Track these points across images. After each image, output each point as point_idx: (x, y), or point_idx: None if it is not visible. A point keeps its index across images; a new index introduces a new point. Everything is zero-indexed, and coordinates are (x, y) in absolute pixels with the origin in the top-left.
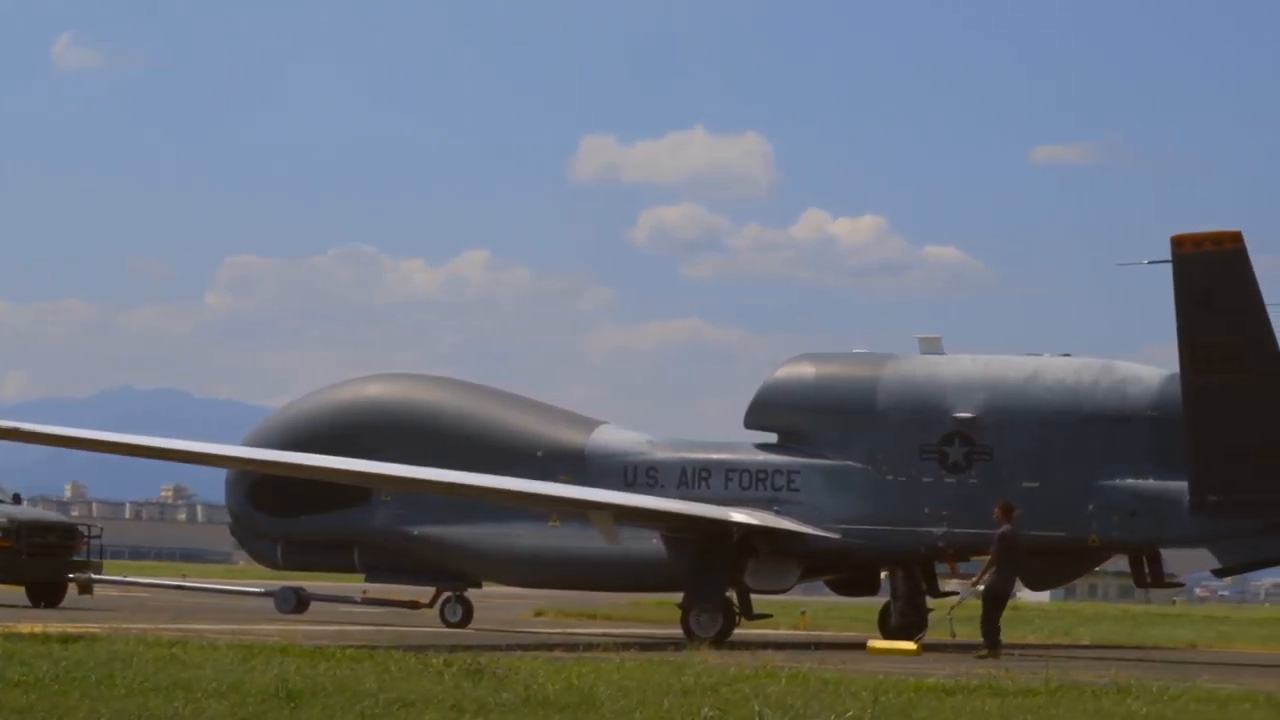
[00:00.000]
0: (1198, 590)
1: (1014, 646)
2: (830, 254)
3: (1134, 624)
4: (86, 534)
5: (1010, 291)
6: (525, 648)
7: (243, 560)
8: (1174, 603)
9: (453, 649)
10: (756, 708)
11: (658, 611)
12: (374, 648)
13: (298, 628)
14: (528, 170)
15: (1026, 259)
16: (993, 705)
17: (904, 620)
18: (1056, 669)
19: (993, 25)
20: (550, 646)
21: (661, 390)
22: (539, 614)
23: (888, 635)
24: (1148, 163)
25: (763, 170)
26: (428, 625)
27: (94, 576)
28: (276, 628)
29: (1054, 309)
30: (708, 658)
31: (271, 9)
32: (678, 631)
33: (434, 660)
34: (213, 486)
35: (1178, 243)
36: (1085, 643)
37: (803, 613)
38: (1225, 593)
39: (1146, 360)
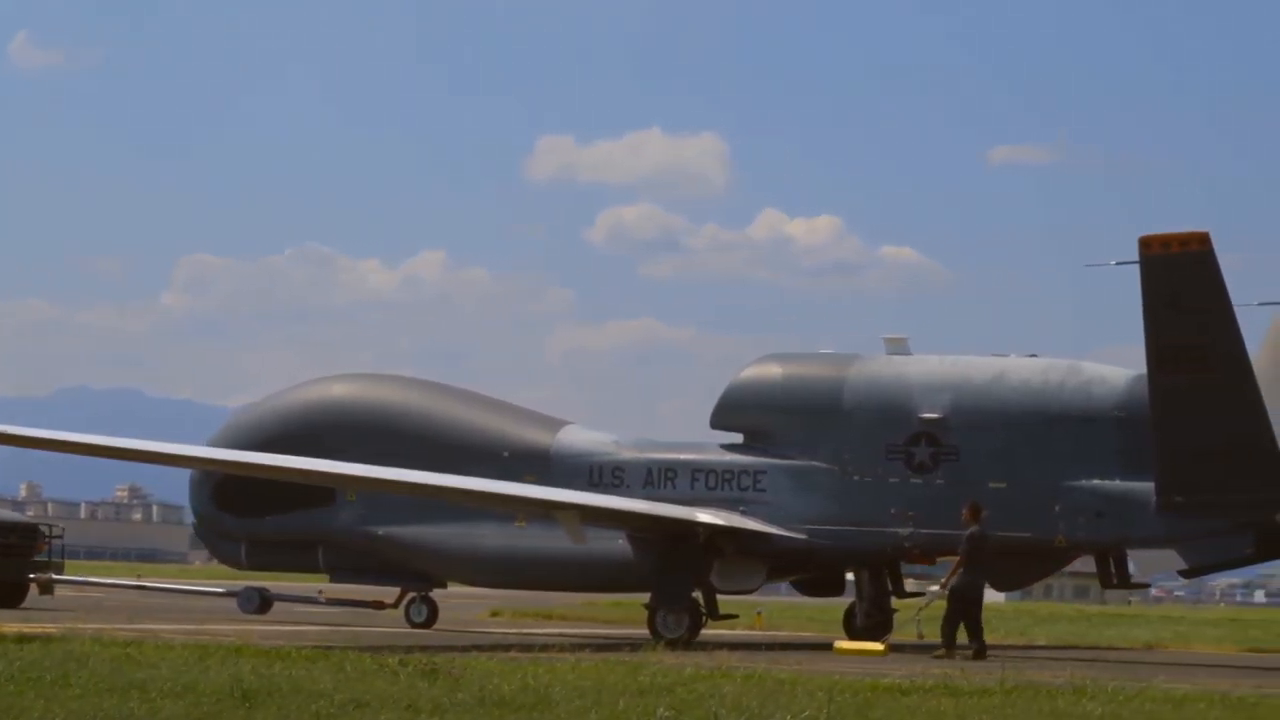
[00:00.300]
0: (1153, 590)
1: (967, 647)
2: (787, 254)
3: (1089, 624)
4: (48, 534)
5: (968, 292)
6: (481, 648)
7: (198, 560)
8: (1129, 603)
9: (408, 649)
10: (712, 708)
11: (613, 612)
12: (329, 648)
13: (253, 628)
14: (485, 170)
15: (984, 260)
16: (948, 705)
17: (869, 621)
18: (1012, 669)
19: (950, 26)
20: (506, 647)
21: (619, 390)
22: (495, 614)
23: (853, 636)
24: (1106, 162)
25: (719, 170)
26: (392, 626)
27: (55, 577)
28: (232, 628)
29: (1012, 309)
30: (663, 658)
31: (229, 10)
32: (634, 631)
33: (389, 660)
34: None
35: (1145, 244)
36: (1041, 643)
37: (759, 613)
38: (1181, 593)
39: (1110, 361)
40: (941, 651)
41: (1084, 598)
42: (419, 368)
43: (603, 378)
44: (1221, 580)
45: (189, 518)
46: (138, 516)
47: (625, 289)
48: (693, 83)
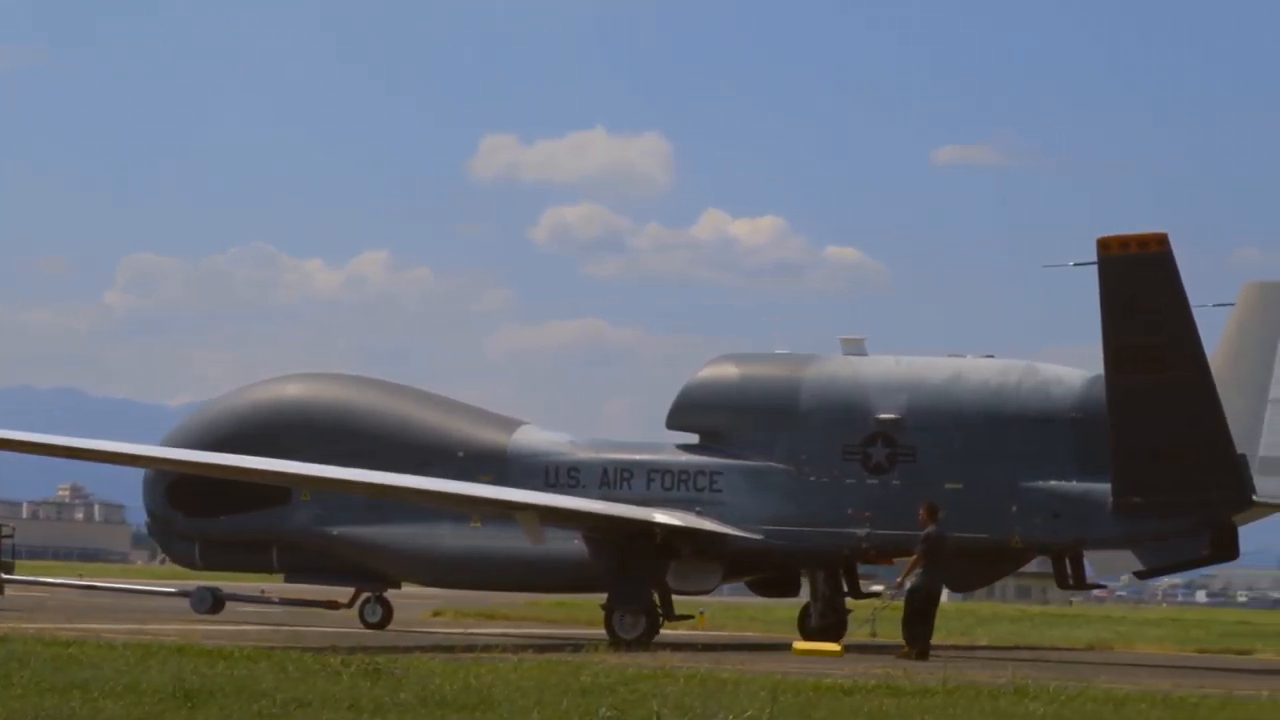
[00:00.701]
0: (1095, 591)
1: (893, 646)
2: (730, 254)
3: (1032, 625)
4: None
5: (912, 293)
6: (423, 648)
7: (139, 560)
8: (1071, 603)
9: (351, 649)
10: (655, 708)
11: (556, 612)
12: (272, 648)
13: (195, 627)
14: (428, 170)
15: (929, 260)
16: (890, 705)
17: (824, 622)
18: (954, 669)
19: (894, 25)
20: (449, 647)
21: (564, 390)
22: (437, 614)
23: (807, 636)
24: (1050, 163)
25: (663, 170)
26: (346, 626)
27: (5, 577)
28: (175, 627)
29: (957, 310)
30: (605, 658)
31: (175, 11)
32: (579, 631)
33: (332, 660)
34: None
35: (1103, 244)
36: (983, 643)
37: (701, 613)
38: (1123, 593)
39: (1060, 361)
40: (906, 650)
41: (1026, 598)
42: (363, 367)
43: (547, 377)
44: (1163, 580)
45: (131, 517)
46: (80, 516)
47: (569, 289)
48: (636, 83)
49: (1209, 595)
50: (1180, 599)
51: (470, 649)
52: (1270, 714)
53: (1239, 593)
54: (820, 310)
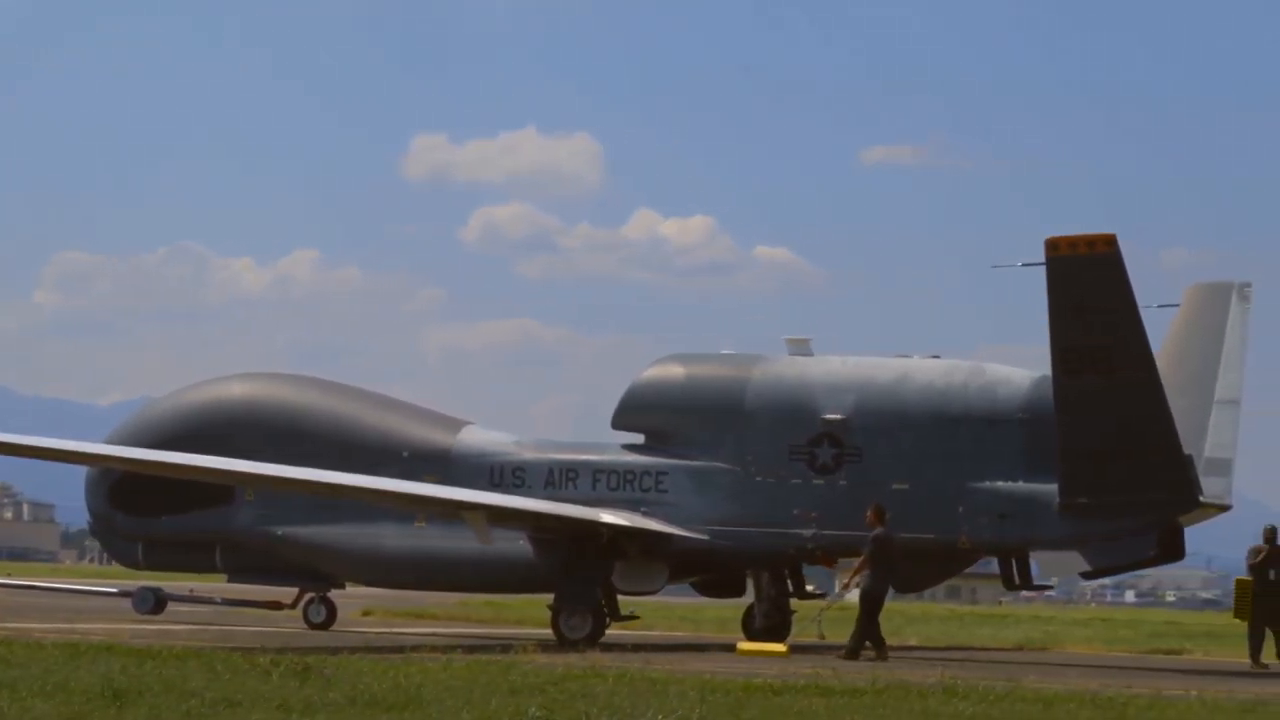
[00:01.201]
0: (1025, 591)
1: (838, 646)
2: (661, 254)
3: (961, 624)
4: None
5: (842, 292)
6: (353, 648)
7: (68, 559)
8: (1000, 603)
9: (280, 649)
10: (584, 707)
11: (484, 611)
12: (201, 647)
13: (124, 627)
14: (359, 169)
15: (859, 260)
16: (820, 705)
17: (768, 622)
18: (883, 669)
19: (822, 25)
20: (379, 647)
21: (495, 389)
22: (366, 614)
23: (751, 637)
24: (978, 163)
25: (593, 170)
26: (281, 626)
27: None
28: (103, 626)
29: (887, 309)
30: (535, 657)
31: (103, 3)
32: (506, 631)
33: (261, 660)
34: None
35: (1051, 245)
36: (913, 643)
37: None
38: (1052, 593)
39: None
40: (873, 654)
41: (955, 598)
42: (294, 366)
43: (478, 377)
44: (1093, 580)
45: (61, 516)
46: (9, 515)
47: (500, 288)
48: (567, 83)
49: (1138, 595)
50: (1109, 599)
51: (400, 649)
52: (1198, 713)
53: (1168, 593)
54: (751, 310)
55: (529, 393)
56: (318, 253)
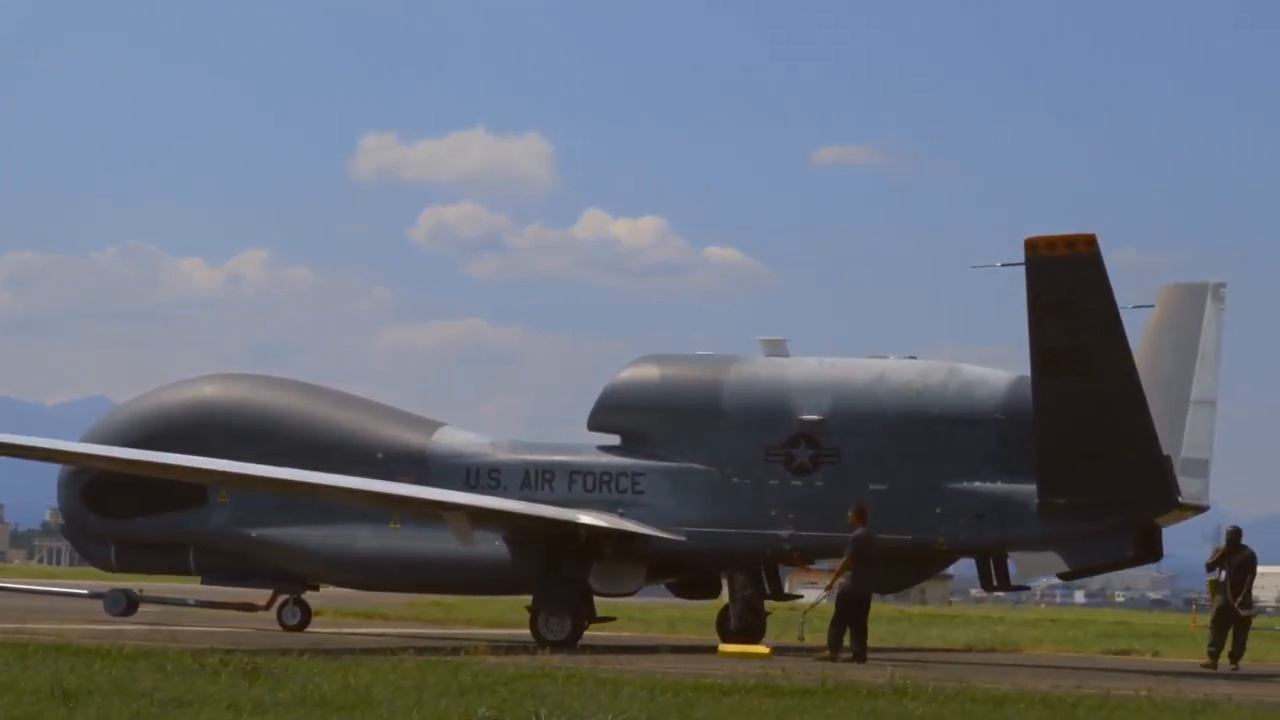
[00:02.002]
0: (973, 591)
1: (790, 647)
2: (611, 254)
3: (911, 625)
4: None
5: (793, 293)
6: (302, 648)
7: (17, 559)
8: (950, 603)
9: (229, 650)
10: (533, 707)
11: (434, 611)
12: (151, 648)
13: (74, 627)
14: (308, 169)
15: (810, 260)
16: (769, 705)
17: (743, 624)
18: (833, 669)
19: (772, 26)
20: (328, 647)
21: (445, 389)
22: (316, 614)
23: (725, 638)
24: (931, 163)
25: (543, 170)
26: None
27: None
28: (52, 627)
29: (838, 309)
30: (485, 658)
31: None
32: (455, 632)
33: (210, 660)
34: None
35: (1031, 245)
36: None
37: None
38: (1001, 594)
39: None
40: (827, 654)
41: (904, 599)
42: (245, 366)
43: (428, 377)
44: (1042, 580)
45: (10, 515)
46: None
47: (449, 288)
48: (517, 82)
49: (1087, 596)
50: (1059, 599)
51: (350, 649)
52: (1148, 713)
53: (1117, 593)
54: (703, 310)
55: (479, 393)
56: (268, 253)
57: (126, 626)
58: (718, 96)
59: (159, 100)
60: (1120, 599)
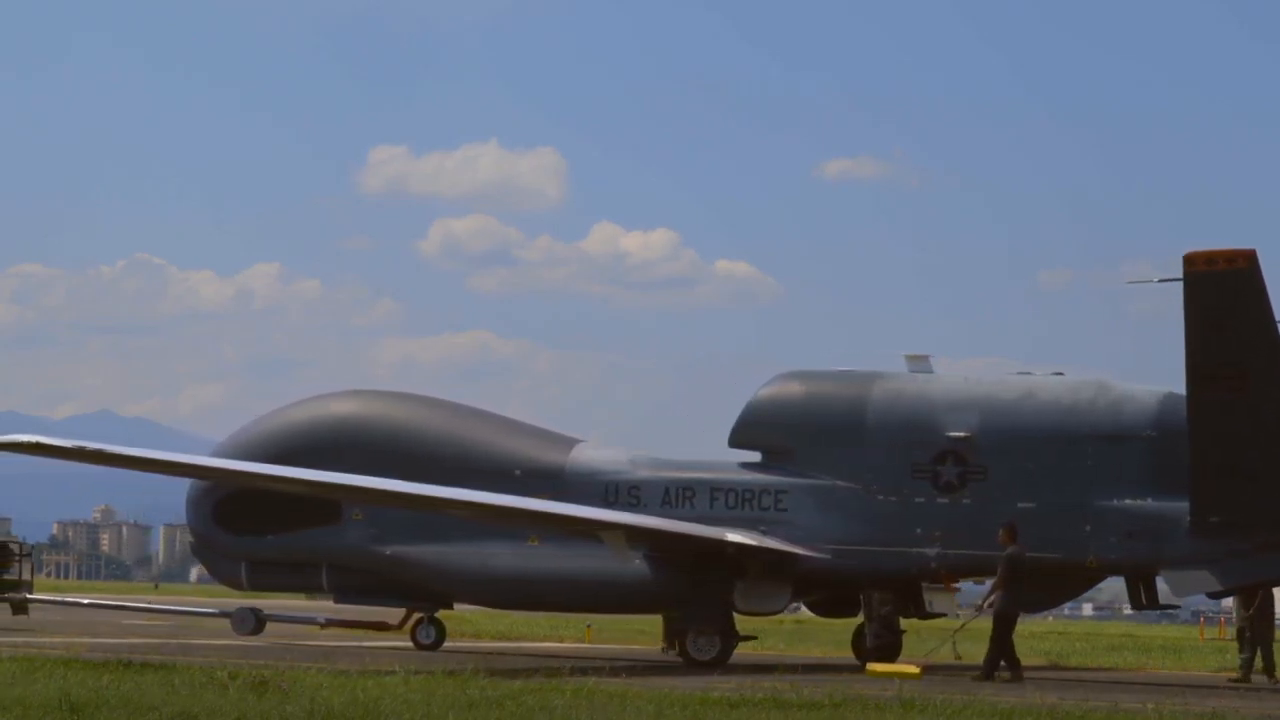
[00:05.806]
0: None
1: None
2: (621, 268)
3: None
4: (18, 552)
5: (803, 306)
6: (311, 661)
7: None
8: (957, 616)
9: (238, 663)
10: None
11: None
12: (159, 661)
13: (82, 640)
14: (318, 182)
15: (820, 274)
16: (777, 719)
17: (879, 642)
18: (841, 684)
19: (781, 40)
20: (336, 660)
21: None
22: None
23: (861, 656)
24: (942, 176)
25: (555, 184)
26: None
27: (29, 596)
28: (60, 640)
29: (848, 322)
30: (491, 672)
31: (63, 10)
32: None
33: (219, 673)
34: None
35: (1189, 260)
36: None
37: (588, 626)
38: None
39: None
40: (1008, 674)
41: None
42: (251, 378)
43: (436, 390)
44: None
45: (16, 529)
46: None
47: (458, 301)
48: (530, 97)
49: (1095, 609)
50: (1066, 611)
51: (358, 663)
52: None
53: (1125, 606)
54: (713, 323)
55: (489, 406)
56: (279, 266)
57: (138, 640)
58: (728, 110)
59: (167, 113)
60: (1129, 611)
